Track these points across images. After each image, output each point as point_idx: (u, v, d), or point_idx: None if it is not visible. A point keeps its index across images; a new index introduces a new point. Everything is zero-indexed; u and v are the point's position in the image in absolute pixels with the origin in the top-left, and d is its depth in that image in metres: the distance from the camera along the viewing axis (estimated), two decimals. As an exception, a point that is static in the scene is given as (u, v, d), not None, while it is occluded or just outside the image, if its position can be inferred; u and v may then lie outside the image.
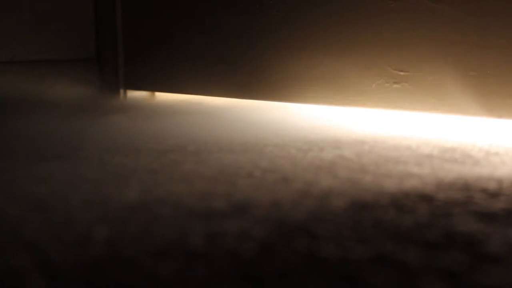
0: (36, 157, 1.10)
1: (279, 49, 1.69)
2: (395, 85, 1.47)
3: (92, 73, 2.22)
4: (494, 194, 0.86)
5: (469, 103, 1.36)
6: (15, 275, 0.57)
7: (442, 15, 1.39)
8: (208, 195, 0.85)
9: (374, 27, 1.50)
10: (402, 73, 1.46)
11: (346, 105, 1.56)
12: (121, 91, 2.10)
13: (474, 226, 0.72)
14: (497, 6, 1.32)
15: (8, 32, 2.13)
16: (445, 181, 0.93)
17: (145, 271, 0.59)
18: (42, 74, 2.10)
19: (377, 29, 1.49)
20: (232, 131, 1.37)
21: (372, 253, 0.64)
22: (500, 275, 0.59)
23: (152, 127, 1.47)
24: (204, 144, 1.21)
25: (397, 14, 1.46)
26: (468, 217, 0.75)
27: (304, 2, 1.63)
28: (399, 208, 0.79)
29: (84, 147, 1.19)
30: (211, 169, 1.01)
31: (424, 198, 0.84)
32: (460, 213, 0.77)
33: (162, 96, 2.06)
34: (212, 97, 1.88)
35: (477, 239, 0.68)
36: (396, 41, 1.46)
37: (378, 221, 0.74)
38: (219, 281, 0.58)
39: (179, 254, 0.64)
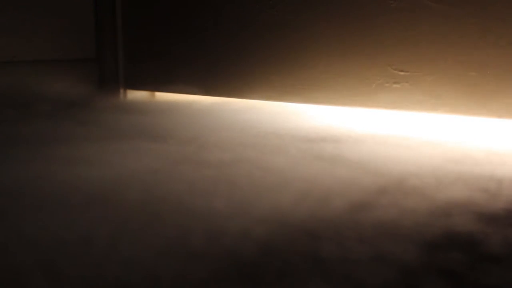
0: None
1: (279, 49, 1.69)
2: (395, 85, 1.47)
3: (92, 73, 2.22)
4: (494, 194, 0.86)
5: (469, 103, 1.36)
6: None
7: (442, 15, 1.39)
8: (208, 195, 0.85)
9: (374, 27, 1.50)
10: (402, 73, 1.46)
11: (346, 105, 1.56)
12: (121, 91, 2.10)
13: (474, 226, 0.72)
14: (497, 6, 1.32)
15: (8, 32, 2.13)
16: (445, 181, 0.93)
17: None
18: (42, 74, 2.10)
19: (377, 29, 1.49)
20: (232, 131, 1.37)
21: (372, 253, 0.64)
22: (500, 275, 0.59)
23: (152, 127, 1.47)
24: (204, 144, 1.21)
25: (397, 14, 1.46)
26: (468, 217, 0.75)
27: (304, 2, 1.63)
28: (399, 208, 0.79)
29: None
30: (211, 169, 1.01)
31: (424, 198, 0.84)
32: (460, 213, 0.77)
33: (162, 96, 2.06)
34: (212, 97, 1.88)
35: (477, 239, 0.68)
36: (396, 41, 1.46)
37: (378, 221, 0.74)
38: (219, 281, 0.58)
39: (179, 253, 0.64)
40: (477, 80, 1.35)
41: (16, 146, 1.21)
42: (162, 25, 1.98)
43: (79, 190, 0.87)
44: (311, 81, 1.63)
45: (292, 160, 1.07)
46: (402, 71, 1.46)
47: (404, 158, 1.08)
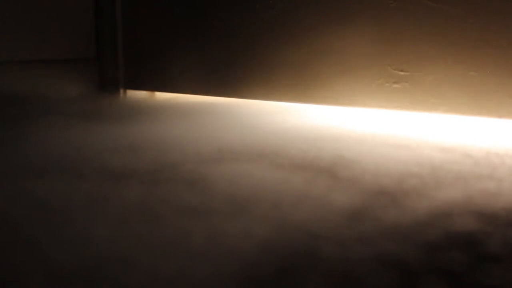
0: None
1: (279, 49, 1.69)
2: (395, 85, 1.47)
3: (92, 73, 2.22)
4: (494, 194, 0.86)
5: (469, 103, 1.36)
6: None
7: (442, 15, 1.39)
8: (209, 195, 0.85)
9: (374, 27, 1.50)
10: (402, 73, 1.46)
11: (346, 105, 1.56)
12: (121, 90, 2.10)
13: (474, 226, 0.72)
14: (497, 6, 1.32)
15: (8, 32, 2.13)
16: (445, 181, 0.93)
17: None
18: (42, 74, 2.10)
19: (377, 29, 1.49)
20: (232, 131, 1.37)
21: (372, 252, 0.64)
22: (500, 275, 0.59)
23: (152, 127, 1.47)
24: (204, 145, 1.21)
25: (397, 14, 1.46)
26: (468, 217, 0.75)
27: (304, 2, 1.63)
28: (399, 208, 0.79)
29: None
30: (211, 169, 1.01)
31: (424, 198, 0.84)
32: (460, 213, 0.77)
33: (162, 96, 2.06)
34: (211, 97, 1.88)
35: (477, 239, 0.68)
36: (396, 41, 1.46)
37: (378, 220, 0.74)
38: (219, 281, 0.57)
39: (180, 251, 0.64)
40: (477, 80, 1.35)
41: None
42: (162, 25, 1.98)
43: None
44: (311, 81, 1.62)
45: (292, 160, 1.07)
46: (402, 71, 1.46)
47: (404, 158, 1.08)
